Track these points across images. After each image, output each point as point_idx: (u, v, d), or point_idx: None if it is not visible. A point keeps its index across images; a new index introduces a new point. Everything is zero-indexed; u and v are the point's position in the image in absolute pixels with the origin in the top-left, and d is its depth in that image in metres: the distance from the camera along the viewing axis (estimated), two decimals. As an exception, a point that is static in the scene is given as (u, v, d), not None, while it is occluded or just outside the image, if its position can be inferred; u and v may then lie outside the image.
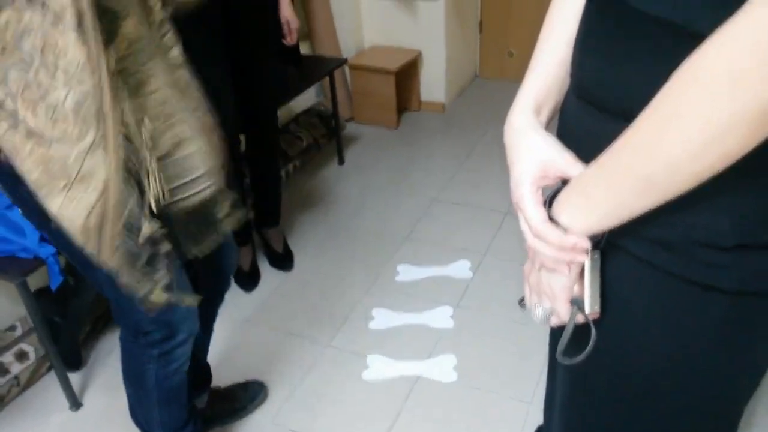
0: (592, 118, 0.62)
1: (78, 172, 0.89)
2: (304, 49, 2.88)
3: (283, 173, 2.63)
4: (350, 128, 3.19)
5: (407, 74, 3.23)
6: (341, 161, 2.91)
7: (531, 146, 0.66)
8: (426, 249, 2.30)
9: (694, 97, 0.47)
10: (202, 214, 1.13)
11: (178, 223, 1.10)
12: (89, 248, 0.96)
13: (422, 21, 3.16)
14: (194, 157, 1.06)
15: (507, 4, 3.43)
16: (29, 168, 0.89)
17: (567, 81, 0.70)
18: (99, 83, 0.86)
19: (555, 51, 0.70)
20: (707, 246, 0.55)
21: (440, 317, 1.97)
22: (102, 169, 0.90)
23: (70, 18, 0.81)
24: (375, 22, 3.24)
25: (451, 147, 3.02)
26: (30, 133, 0.86)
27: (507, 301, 2.02)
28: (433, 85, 3.30)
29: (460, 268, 2.18)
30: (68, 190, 0.90)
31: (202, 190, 1.08)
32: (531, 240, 0.63)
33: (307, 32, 2.95)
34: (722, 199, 0.53)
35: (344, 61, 2.87)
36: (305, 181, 2.80)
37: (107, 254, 0.97)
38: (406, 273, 2.17)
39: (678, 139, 0.48)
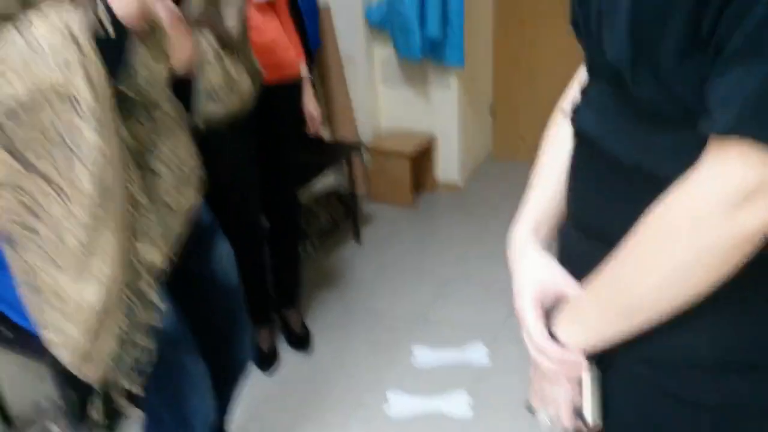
0: (582, 243, 0.70)
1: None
2: (324, 133, 3.02)
3: (301, 251, 2.72)
4: (367, 208, 3.29)
5: (423, 156, 3.35)
6: (358, 240, 2.99)
7: (530, 265, 0.74)
8: (441, 330, 2.35)
9: (663, 239, 0.55)
10: None
11: None
12: None
13: (436, 106, 3.31)
14: None
15: (518, 90, 3.59)
16: None
17: (562, 204, 0.78)
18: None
19: (553, 174, 0.79)
20: (689, 365, 0.61)
21: (457, 404, 1.99)
22: None
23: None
24: (391, 107, 3.40)
25: (466, 227, 3.10)
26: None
27: (523, 389, 2.04)
28: (448, 167, 3.42)
29: (477, 351, 2.21)
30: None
31: None
32: (533, 352, 0.69)
33: (326, 116, 3.11)
34: (699, 323, 0.59)
35: (362, 146, 3.00)
36: (323, 259, 2.88)
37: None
38: (422, 356, 2.21)
39: (652, 275, 0.56)
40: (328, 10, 3.01)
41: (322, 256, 2.91)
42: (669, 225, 0.54)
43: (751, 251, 0.52)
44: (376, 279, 2.71)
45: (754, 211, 0.50)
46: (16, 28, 0.84)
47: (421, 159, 3.36)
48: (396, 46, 3.06)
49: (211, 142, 1.88)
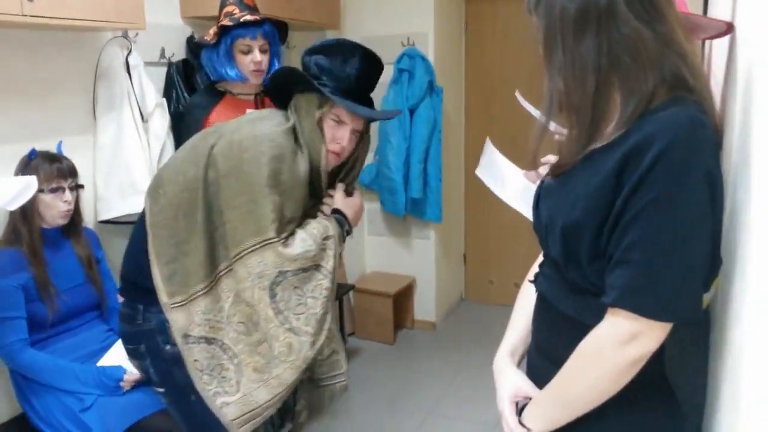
0: (540, 362, 1.09)
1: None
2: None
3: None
4: (351, 342, 3.61)
5: (403, 296, 3.75)
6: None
7: (508, 377, 1.14)
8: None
9: (583, 363, 0.95)
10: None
11: None
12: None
13: (416, 253, 3.77)
14: None
15: (487, 240, 4.09)
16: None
17: (530, 336, 1.18)
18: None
19: (523, 317, 1.20)
20: None
21: None
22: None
23: None
24: (376, 253, 3.85)
25: (442, 363, 3.42)
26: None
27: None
28: (425, 306, 3.81)
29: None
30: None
31: None
32: None
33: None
34: (610, 415, 0.97)
35: (351, 287, 3.39)
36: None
37: None
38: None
39: (579, 384, 0.95)
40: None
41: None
42: (586, 354, 0.94)
43: (636, 371, 0.91)
44: (359, 414, 2.95)
45: (635, 346, 0.89)
46: (302, 226, 1.54)
47: (402, 299, 3.76)
48: (383, 203, 3.56)
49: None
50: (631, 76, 0.91)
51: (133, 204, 2.27)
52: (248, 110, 2.00)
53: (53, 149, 2.05)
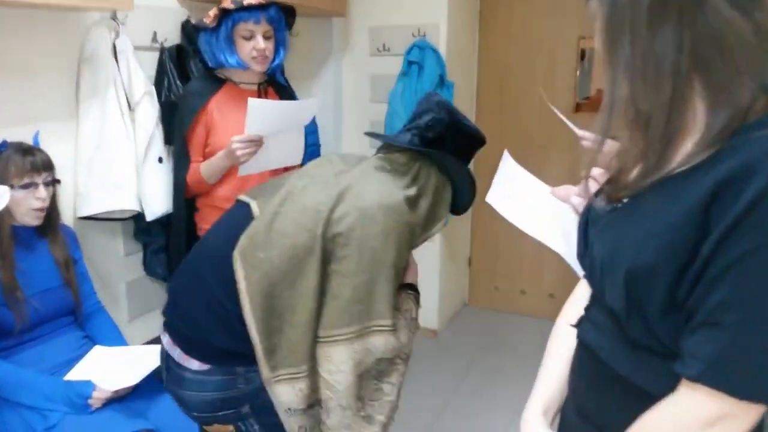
0: (579, 427, 0.91)
1: None
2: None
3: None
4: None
5: (404, 301, 3.57)
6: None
7: None
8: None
9: None
10: None
11: None
12: None
13: (419, 256, 3.57)
14: None
15: (494, 244, 3.90)
16: None
17: (565, 391, 0.99)
18: None
19: (557, 368, 1.01)
20: None
21: None
22: None
23: None
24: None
25: (444, 373, 3.26)
26: None
27: None
28: (426, 313, 3.63)
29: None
30: None
31: None
32: None
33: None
34: None
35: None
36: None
37: None
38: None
39: None
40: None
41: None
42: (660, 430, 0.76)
43: None
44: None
45: (722, 429, 0.71)
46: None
47: (403, 304, 3.58)
48: (386, 202, 3.38)
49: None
50: (722, 80, 0.72)
51: (115, 200, 2.09)
52: (250, 99, 1.83)
53: (30, 139, 1.87)
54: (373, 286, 1.34)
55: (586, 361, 0.91)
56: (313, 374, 1.37)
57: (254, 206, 1.44)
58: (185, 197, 2.15)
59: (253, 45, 2.02)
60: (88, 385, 1.71)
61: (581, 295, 1.02)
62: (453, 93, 3.26)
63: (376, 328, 1.36)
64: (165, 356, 1.49)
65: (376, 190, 1.39)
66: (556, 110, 1.87)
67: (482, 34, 3.74)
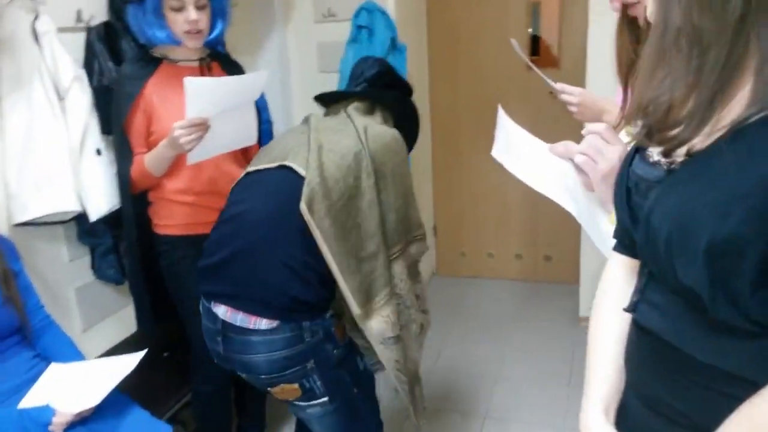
0: (652, 420, 0.79)
1: None
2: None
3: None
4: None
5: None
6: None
7: None
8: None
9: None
10: None
11: None
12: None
13: (384, 229, 3.46)
14: None
15: (458, 210, 3.81)
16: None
17: (622, 383, 0.87)
18: None
19: (610, 358, 0.89)
20: None
21: None
22: None
23: None
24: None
25: (419, 347, 3.17)
26: None
27: None
28: (395, 286, 3.53)
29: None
30: None
31: None
32: None
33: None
34: None
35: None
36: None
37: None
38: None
39: None
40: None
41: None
42: (756, 424, 0.65)
43: None
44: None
45: None
46: None
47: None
48: (346, 177, 3.23)
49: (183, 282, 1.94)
50: None
51: (52, 201, 1.88)
52: (185, 79, 1.61)
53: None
54: (407, 205, 1.70)
55: (650, 348, 0.80)
56: (391, 296, 1.62)
57: (295, 166, 1.56)
58: (132, 193, 1.94)
59: (185, 17, 1.80)
60: (46, 411, 1.53)
61: (617, 276, 0.91)
62: (406, 56, 3.10)
63: (414, 238, 1.75)
64: (222, 328, 1.57)
65: (383, 129, 1.68)
66: (533, 65, 1.76)
67: (429, -7, 3.59)
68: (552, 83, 1.69)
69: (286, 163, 1.58)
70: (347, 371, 1.65)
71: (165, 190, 1.93)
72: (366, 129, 1.62)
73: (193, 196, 1.92)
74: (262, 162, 1.67)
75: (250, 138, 1.92)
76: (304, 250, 1.52)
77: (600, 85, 2.68)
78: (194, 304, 1.91)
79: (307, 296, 1.53)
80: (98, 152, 2.00)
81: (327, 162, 1.54)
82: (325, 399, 1.59)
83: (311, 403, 1.60)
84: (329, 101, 1.84)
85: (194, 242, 1.92)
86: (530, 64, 1.76)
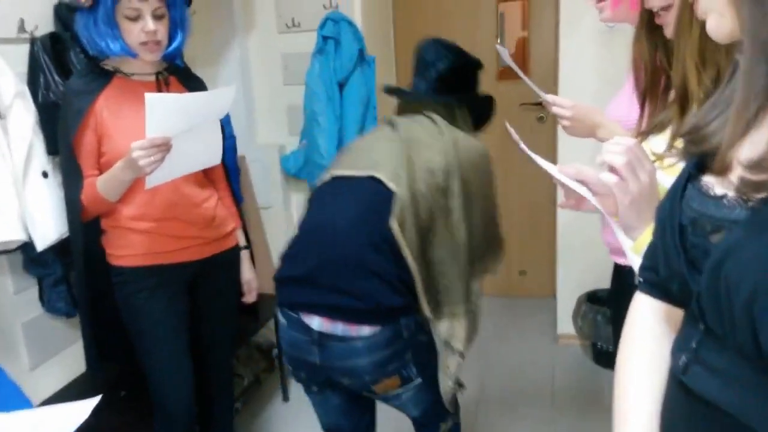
0: None
1: None
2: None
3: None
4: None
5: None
6: (286, 398, 2.83)
7: None
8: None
9: None
10: None
11: None
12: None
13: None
14: None
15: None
16: None
17: None
18: None
19: (644, 422, 0.77)
20: None
21: None
22: None
23: None
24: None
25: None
26: None
27: None
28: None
29: None
30: None
31: None
32: None
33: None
34: None
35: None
36: (249, 420, 2.69)
37: None
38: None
39: None
40: (243, 158, 3.01)
41: (248, 416, 2.71)
42: None
43: None
44: None
45: None
46: None
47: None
48: (314, 194, 3.08)
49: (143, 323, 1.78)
50: None
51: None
52: (147, 95, 1.45)
53: None
54: (491, 223, 1.72)
55: (704, 419, 0.67)
56: (468, 312, 1.66)
57: (385, 180, 1.57)
58: (83, 220, 1.76)
59: (142, 27, 1.64)
60: None
61: (648, 324, 0.80)
62: (375, 68, 2.98)
63: (496, 257, 1.78)
64: (318, 338, 1.55)
65: (471, 144, 1.67)
66: (522, 74, 1.65)
67: (396, 3, 3.48)
68: (542, 93, 1.59)
69: (376, 175, 1.58)
70: (432, 350, 1.68)
71: (119, 217, 1.74)
72: (456, 143, 1.62)
73: (150, 222, 1.74)
74: (348, 167, 1.67)
75: (215, 157, 1.77)
76: (390, 259, 1.55)
77: (572, 96, 2.60)
78: (153, 337, 1.75)
79: (398, 302, 1.56)
80: (44, 175, 1.82)
81: (418, 179, 1.57)
82: (419, 380, 1.64)
83: (407, 387, 1.64)
84: (408, 100, 1.82)
85: (152, 273, 1.75)
86: (519, 73, 1.65)
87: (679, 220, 0.68)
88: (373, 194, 1.57)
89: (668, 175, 0.95)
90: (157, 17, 1.66)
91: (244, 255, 2.03)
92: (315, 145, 2.91)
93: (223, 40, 3.07)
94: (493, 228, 1.73)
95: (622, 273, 1.61)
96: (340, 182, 1.65)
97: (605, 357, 2.91)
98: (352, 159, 1.69)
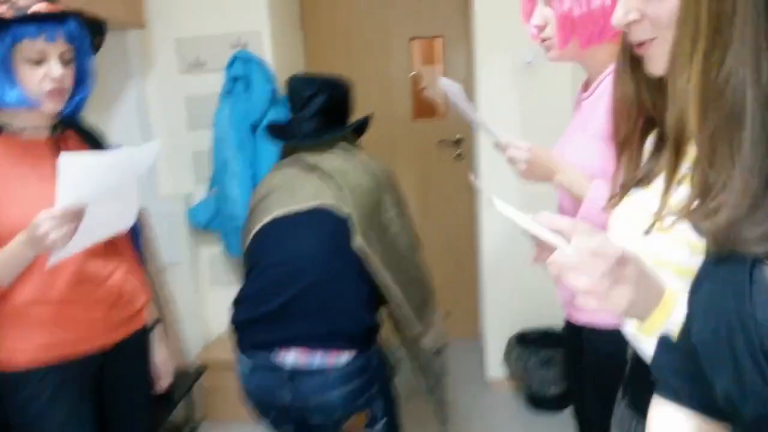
0: None
1: None
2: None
3: None
4: (204, 428, 2.83)
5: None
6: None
7: None
8: None
9: None
10: None
11: None
12: None
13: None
14: None
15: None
16: None
17: None
18: None
19: None
20: None
21: None
22: None
23: None
24: (222, 310, 3.06)
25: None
26: None
27: None
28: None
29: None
30: None
31: None
32: None
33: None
34: None
35: (202, 370, 2.64)
36: None
37: None
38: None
39: None
40: (145, 212, 2.70)
41: None
42: None
43: None
44: None
45: None
46: None
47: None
48: (227, 247, 2.82)
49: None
50: None
51: None
52: (62, 156, 1.20)
53: None
54: (410, 227, 1.84)
55: None
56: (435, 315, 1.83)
57: (335, 206, 1.63)
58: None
59: (46, 72, 1.36)
60: None
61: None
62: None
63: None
64: (290, 375, 1.56)
65: (381, 164, 1.82)
66: (474, 116, 1.52)
67: (307, 40, 3.33)
68: (497, 135, 1.46)
69: (325, 203, 1.63)
70: (393, 391, 1.73)
71: (13, 302, 1.41)
72: (368, 165, 1.75)
73: (49, 307, 1.43)
74: (286, 205, 1.67)
75: (128, 221, 1.51)
76: (363, 279, 1.62)
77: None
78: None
79: (374, 322, 1.63)
80: None
81: (359, 201, 1.64)
82: (384, 420, 1.66)
83: (374, 428, 1.66)
84: (316, 142, 1.80)
85: (51, 372, 1.44)
86: (470, 112, 1.51)
87: (753, 334, 0.52)
88: (326, 223, 1.63)
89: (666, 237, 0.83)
90: (64, 62, 1.39)
91: (157, 332, 1.73)
92: (226, 194, 2.66)
93: (117, 84, 2.76)
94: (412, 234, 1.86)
95: (575, 331, 1.50)
96: (284, 221, 1.66)
97: (539, 401, 2.84)
98: (284, 197, 1.69)
